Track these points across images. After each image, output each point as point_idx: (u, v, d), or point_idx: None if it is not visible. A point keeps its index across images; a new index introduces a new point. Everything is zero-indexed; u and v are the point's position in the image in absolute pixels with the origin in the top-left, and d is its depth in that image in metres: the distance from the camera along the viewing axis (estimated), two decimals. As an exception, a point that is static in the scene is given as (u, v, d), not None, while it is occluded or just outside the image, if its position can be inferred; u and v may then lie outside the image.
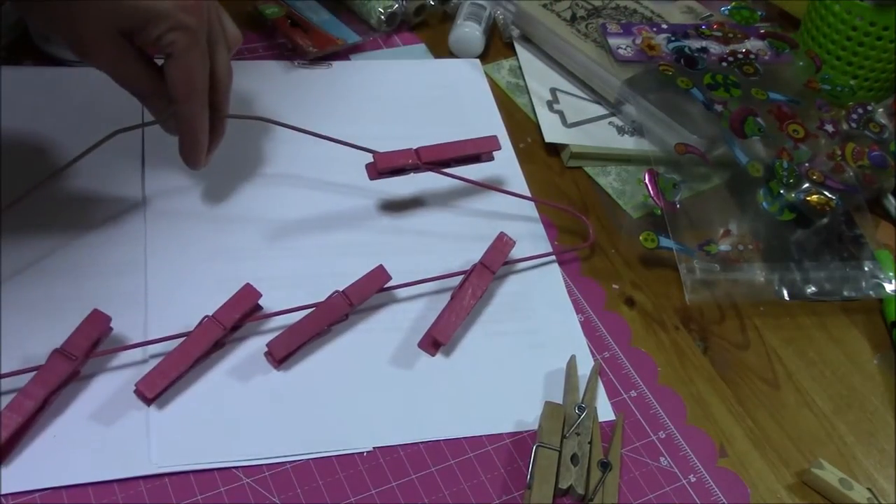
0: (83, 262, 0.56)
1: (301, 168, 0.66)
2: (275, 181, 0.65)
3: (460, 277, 0.59)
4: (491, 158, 0.64)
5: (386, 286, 0.57)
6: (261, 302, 0.55)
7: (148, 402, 0.49)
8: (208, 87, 0.54)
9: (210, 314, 0.52)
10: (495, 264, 0.59)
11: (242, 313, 0.53)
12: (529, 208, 0.68)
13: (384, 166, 0.59)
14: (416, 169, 0.61)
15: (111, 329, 0.52)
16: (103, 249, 0.57)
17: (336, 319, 0.55)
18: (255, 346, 0.54)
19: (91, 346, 0.50)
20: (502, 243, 0.60)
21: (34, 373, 0.48)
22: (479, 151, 0.63)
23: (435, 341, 0.55)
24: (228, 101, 0.58)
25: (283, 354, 0.53)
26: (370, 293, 0.56)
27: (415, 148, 0.60)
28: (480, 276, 0.58)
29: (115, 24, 0.48)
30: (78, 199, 0.60)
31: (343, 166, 0.63)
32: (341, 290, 0.55)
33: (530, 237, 0.65)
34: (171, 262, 0.58)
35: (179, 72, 0.51)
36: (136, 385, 0.49)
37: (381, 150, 0.60)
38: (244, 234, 0.61)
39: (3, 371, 0.49)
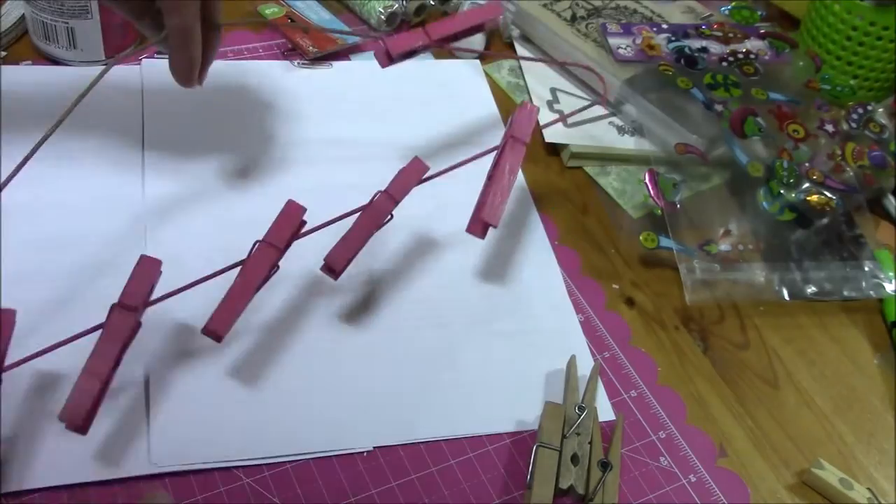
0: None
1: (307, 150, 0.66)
2: (276, 161, 0.65)
3: (490, 158, 0.57)
4: (496, 26, 0.67)
5: (426, 176, 0.55)
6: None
7: (219, 339, 0.48)
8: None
9: (260, 238, 0.50)
10: (525, 134, 0.57)
11: (292, 231, 0.51)
12: (530, 208, 0.68)
13: (396, 50, 0.58)
14: (426, 48, 0.60)
15: (160, 273, 0.48)
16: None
17: (383, 221, 0.53)
18: (254, 345, 0.54)
19: (148, 295, 0.47)
20: (527, 111, 0.58)
21: (98, 333, 0.46)
22: (483, 20, 0.63)
23: (485, 224, 0.53)
24: (220, 11, 0.56)
25: (343, 265, 0.52)
26: (411, 186, 0.54)
27: (423, 28, 0.60)
28: (514, 149, 0.56)
29: None
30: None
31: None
32: (383, 189, 0.53)
33: (530, 237, 0.65)
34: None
35: None
36: (205, 326, 0.47)
37: (382, 146, 0.61)
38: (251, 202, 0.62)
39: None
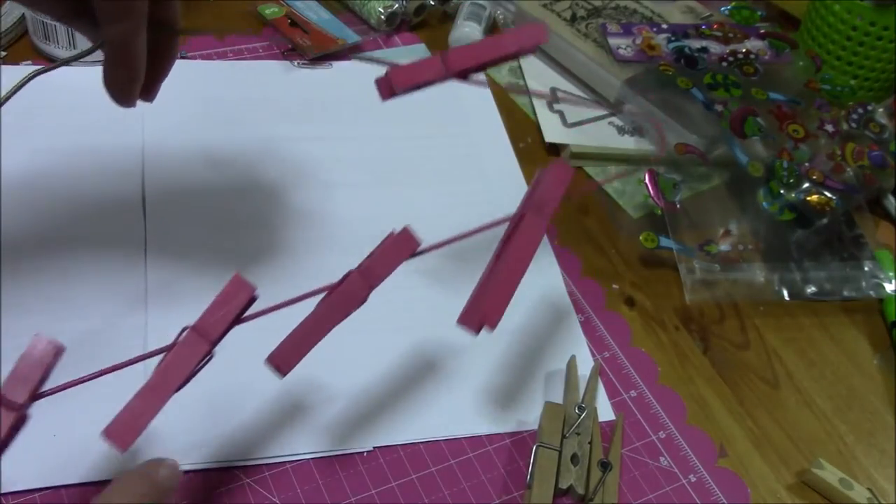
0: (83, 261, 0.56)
1: (302, 168, 0.66)
2: (275, 183, 0.65)
3: (501, 230, 0.45)
4: (533, 51, 0.49)
5: (416, 252, 0.43)
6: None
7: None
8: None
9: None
10: (551, 205, 0.43)
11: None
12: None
13: (402, 83, 0.45)
14: (441, 80, 0.46)
15: (255, 299, 0.40)
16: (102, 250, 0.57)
17: (352, 309, 0.42)
18: (254, 345, 0.54)
19: (228, 326, 0.40)
20: (559, 172, 0.44)
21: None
22: (520, 47, 0.47)
23: (481, 323, 0.42)
24: (178, 12, 0.45)
25: (290, 367, 0.42)
26: (395, 265, 0.42)
27: (440, 54, 0.46)
28: (532, 226, 0.43)
29: None
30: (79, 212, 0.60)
31: (347, 166, 0.63)
32: (356, 268, 0.42)
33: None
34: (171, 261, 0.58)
35: None
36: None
37: (382, 153, 0.59)
38: (244, 235, 0.61)
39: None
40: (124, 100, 0.45)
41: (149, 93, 0.47)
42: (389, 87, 0.45)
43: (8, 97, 0.46)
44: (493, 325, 0.42)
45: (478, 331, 0.43)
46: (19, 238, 0.56)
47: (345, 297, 0.41)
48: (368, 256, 0.42)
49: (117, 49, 0.42)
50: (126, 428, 0.38)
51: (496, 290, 0.43)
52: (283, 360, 0.41)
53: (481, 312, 0.42)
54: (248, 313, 0.40)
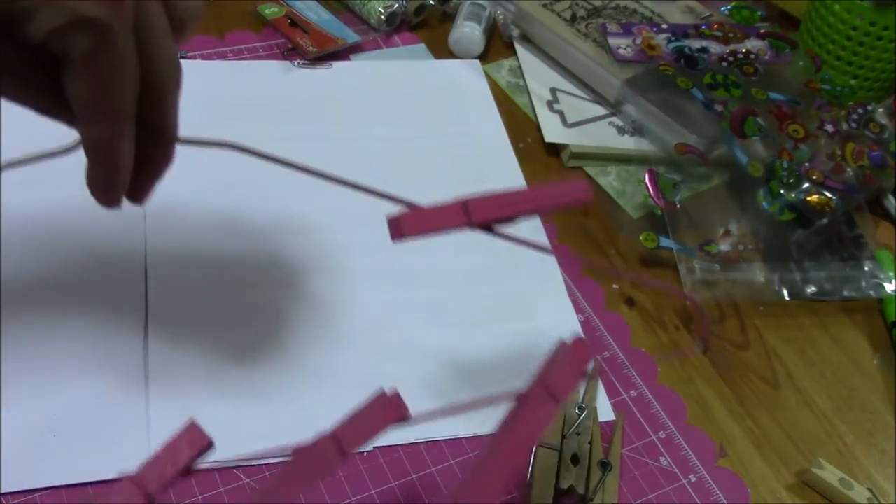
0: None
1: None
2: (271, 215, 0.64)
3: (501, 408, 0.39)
4: (578, 206, 0.45)
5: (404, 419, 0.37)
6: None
7: None
8: (135, 100, 0.36)
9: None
10: (563, 388, 0.38)
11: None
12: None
13: (415, 230, 0.39)
14: (459, 229, 0.41)
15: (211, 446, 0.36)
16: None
17: (323, 478, 0.36)
18: (254, 345, 0.54)
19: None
20: (576, 354, 0.39)
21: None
22: (557, 204, 0.42)
23: None
24: (175, 116, 0.40)
25: None
26: (376, 433, 0.37)
27: (463, 200, 0.41)
28: (542, 410, 0.37)
29: None
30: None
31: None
32: (329, 431, 0.36)
33: (529, 237, 0.65)
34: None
35: (80, 85, 0.34)
36: None
37: (382, 153, 0.58)
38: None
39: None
40: (105, 201, 0.39)
41: (137, 197, 0.41)
42: (400, 231, 0.40)
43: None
44: None
45: None
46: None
47: (314, 463, 0.36)
48: (347, 419, 0.37)
49: (95, 150, 0.37)
50: None
51: (489, 476, 0.36)
52: None
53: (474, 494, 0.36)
54: (203, 463, 0.35)
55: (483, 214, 0.40)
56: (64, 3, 0.31)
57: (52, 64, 0.35)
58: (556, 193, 0.41)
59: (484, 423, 0.53)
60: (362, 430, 0.36)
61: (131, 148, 0.37)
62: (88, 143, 0.37)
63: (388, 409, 0.37)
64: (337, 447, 0.36)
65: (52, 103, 0.36)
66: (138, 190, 0.40)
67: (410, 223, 0.39)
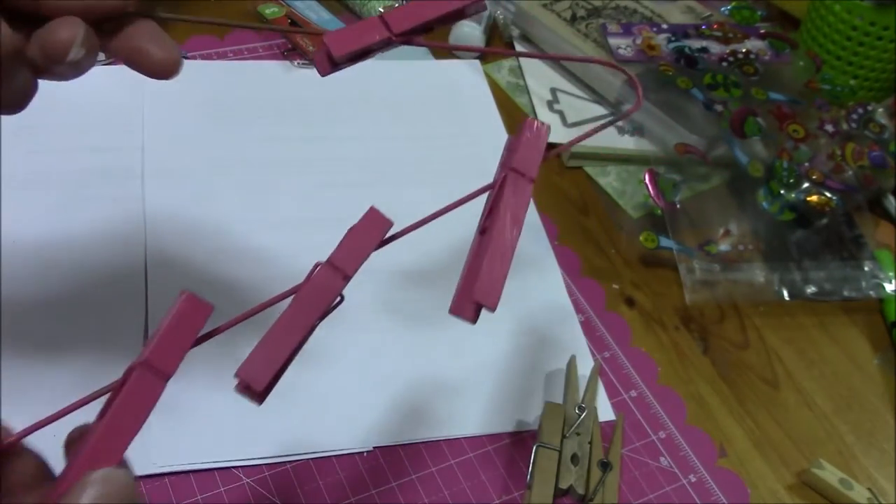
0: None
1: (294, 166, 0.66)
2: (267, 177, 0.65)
3: (482, 200, 0.41)
4: (484, 9, 0.45)
5: (389, 235, 0.37)
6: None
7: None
8: None
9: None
10: (532, 166, 0.39)
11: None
12: (530, 208, 0.67)
13: (342, 51, 0.39)
14: (387, 46, 0.41)
15: (383, 236, 0.37)
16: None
17: (328, 307, 0.36)
18: (254, 345, 0.54)
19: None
20: (533, 132, 0.40)
21: None
22: (462, 3, 0.41)
23: (478, 305, 0.37)
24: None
25: (265, 384, 0.35)
26: (367, 251, 0.37)
27: (381, 15, 0.40)
28: (516, 189, 0.39)
29: None
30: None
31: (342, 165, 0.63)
32: (324, 260, 0.36)
33: (530, 237, 0.65)
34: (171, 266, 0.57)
35: None
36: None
37: (382, 153, 0.58)
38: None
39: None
40: None
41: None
42: (328, 58, 0.39)
43: None
44: (492, 305, 0.37)
45: (475, 316, 0.37)
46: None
47: (316, 292, 0.35)
48: (338, 247, 0.37)
49: None
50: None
51: (490, 264, 0.38)
52: (254, 374, 0.34)
53: (476, 293, 0.37)
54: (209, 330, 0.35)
55: (400, 24, 0.40)
56: None
57: None
58: None
59: (484, 423, 0.53)
60: (355, 252, 0.36)
61: None
62: None
63: (373, 227, 0.37)
64: (335, 271, 0.36)
65: None
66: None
67: (337, 45, 0.39)
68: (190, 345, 0.34)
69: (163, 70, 0.37)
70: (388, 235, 0.37)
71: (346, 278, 0.36)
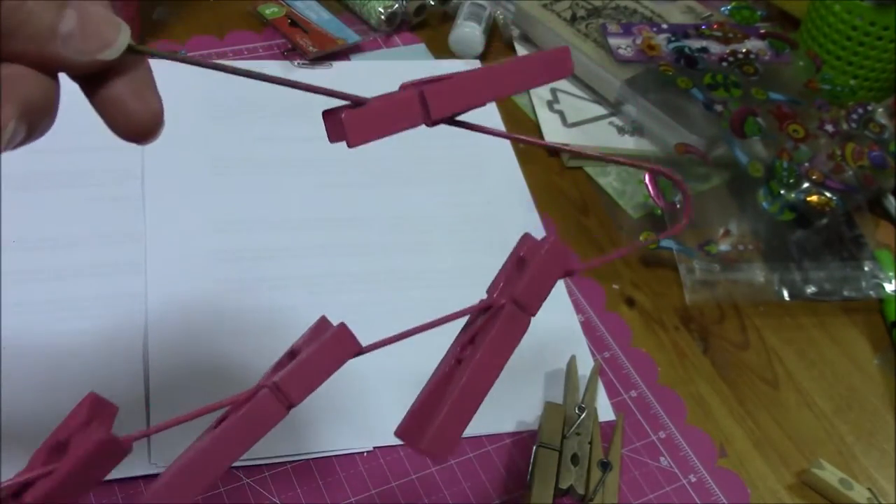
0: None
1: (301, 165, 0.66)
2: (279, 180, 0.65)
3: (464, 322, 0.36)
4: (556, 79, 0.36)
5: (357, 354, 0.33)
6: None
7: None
8: None
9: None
10: (536, 301, 0.34)
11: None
12: (530, 208, 0.68)
13: (359, 140, 0.34)
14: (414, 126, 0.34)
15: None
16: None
17: (265, 430, 0.30)
18: (254, 345, 0.54)
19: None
20: (547, 251, 0.35)
21: None
22: (541, 77, 0.34)
23: (429, 449, 0.32)
24: None
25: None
26: (325, 376, 0.31)
27: (417, 88, 0.34)
28: (512, 324, 0.34)
29: None
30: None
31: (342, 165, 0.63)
32: (274, 380, 0.30)
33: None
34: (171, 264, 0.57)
35: None
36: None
37: (381, 153, 0.58)
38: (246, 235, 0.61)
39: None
40: None
41: None
42: (341, 132, 0.34)
43: None
44: (442, 460, 0.32)
45: (425, 454, 0.32)
46: None
47: (255, 416, 0.30)
48: (292, 357, 0.31)
49: None
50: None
51: (454, 404, 0.32)
52: (176, 493, 0.29)
53: (424, 443, 0.32)
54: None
55: (440, 109, 0.33)
56: None
57: None
58: (537, 66, 0.33)
59: (484, 423, 0.53)
60: (308, 377, 0.31)
61: None
62: None
63: (337, 347, 0.31)
64: (279, 396, 0.30)
65: None
66: None
67: (355, 128, 0.32)
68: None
69: (139, 128, 0.32)
70: (359, 349, 0.32)
71: (290, 407, 0.30)
